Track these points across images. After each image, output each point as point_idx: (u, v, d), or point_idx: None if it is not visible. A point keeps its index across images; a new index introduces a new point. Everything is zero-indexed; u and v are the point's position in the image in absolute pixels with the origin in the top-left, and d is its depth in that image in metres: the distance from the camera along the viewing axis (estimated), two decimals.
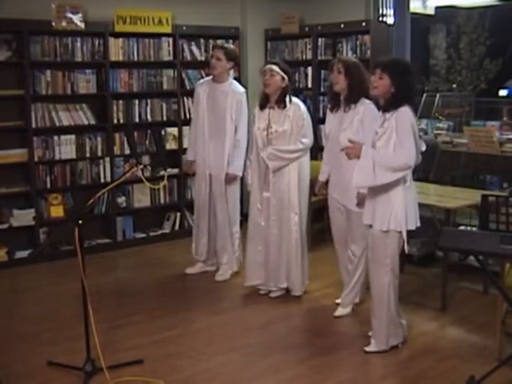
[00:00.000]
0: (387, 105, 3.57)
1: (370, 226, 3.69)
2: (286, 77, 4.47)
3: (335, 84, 4.10)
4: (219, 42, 6.40)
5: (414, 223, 3.63)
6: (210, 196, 5.10)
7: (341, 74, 4.06)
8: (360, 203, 3.93)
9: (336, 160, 4.15)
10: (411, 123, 3.51)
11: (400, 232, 3.57)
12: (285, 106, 4.48)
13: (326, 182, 4.38)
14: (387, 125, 3.54)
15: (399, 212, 3.55)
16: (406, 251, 3.71)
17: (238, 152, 4.93)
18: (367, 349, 3.79)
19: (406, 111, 3.51)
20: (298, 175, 4.52)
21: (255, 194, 4.67)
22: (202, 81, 5.28)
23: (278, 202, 4.54)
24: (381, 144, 3.56)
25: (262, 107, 4.58)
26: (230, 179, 4.96)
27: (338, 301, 4.45)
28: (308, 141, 4.52)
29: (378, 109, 3.74)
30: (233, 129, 4.92)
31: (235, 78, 5.16)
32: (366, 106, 4.00)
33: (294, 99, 4.55)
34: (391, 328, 3.77)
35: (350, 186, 3.94)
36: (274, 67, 4.47)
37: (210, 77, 5.06)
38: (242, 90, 4.99)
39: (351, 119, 4.04)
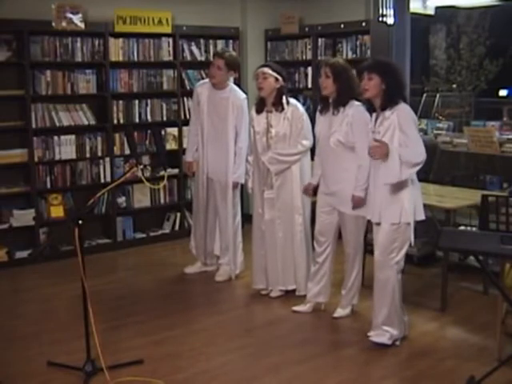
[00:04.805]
0: (384, 102, 3.65)
1: (378, 223, 3.75)
2: (279, 77, 4.43)
3: (324, 89, 4.06)
4: (220, 45, 6.44)
5: (421, 214, 3.75)
6: (207, 198, 5.11)
7: (329, 79, 4.02)
8: (356, 206, 3.97)
9: (327, 162, 4.16)
10: (414, 119, 3.65)
11: (409, 224, 3.65)
12: (283, 109, 4.45)
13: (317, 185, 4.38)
14: (388, 123, 3.62)
15: (407, 205, 3.64)
16: (413, 243, 3.75)
17: (240, 159, 4.92)
18: (373, 338, 3.83)
19: (405, 108, 3.64)
20: (300, 176, 4.52)
21: (256, 199, 4.67)
22: (201, 82, 5.25)
23: (282, 205, 4.54)
24: None
25: (259, 111, 4.55)
26: (233, 187, 4.98)
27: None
28: (308, 142, 4.50)
29: (370, 111, 3.80)
30: (234, 136, 4.91)
31: (235, 79, 5.15)
32: (355, 109, 3.96)
33: (292, 100, 4.52)
34: (395, 321, 3.79)
35: (344, 189, 4.03)
36: (266, 69, 4.44)
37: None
38: (243, 96, 4.97)
39: (340, 122, 4.01)
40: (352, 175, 3.98)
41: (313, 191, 4.40)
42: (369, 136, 3.77)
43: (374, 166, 3.78)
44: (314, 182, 4.35)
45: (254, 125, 4.59)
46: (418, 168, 3.60)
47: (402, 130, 3.59)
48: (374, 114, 3.75)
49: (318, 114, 4.22)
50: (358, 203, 3.95)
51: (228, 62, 4.82)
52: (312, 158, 4.57)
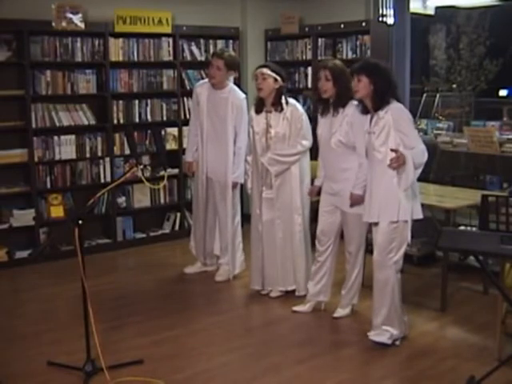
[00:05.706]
0: (375, 103, 3.68)
1: (376, 223, 3.76)
2: (278, 78, 4.43)
3: (324, 92, 4.07)
4: (220, 45, 6.44)
5: (419, 213, 3.76)
6: (207, 198, 5.11)
7: (329, 82, 4.04)
8: (355, 203, 3.99)
9: (329, 163, 4.18)
10: (409, 117, 3.68)
11: (406, 221, 3.67)
12: (282, 109, 4.45)
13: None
14: (383, 123, 3.65)
15: (405, 203, 3.65)
16: (409, 241, 3.75)
17: (239, 159, 4.92)
18: (373, 337, 3.83)
19: (398, 107, 3.67)
20: (300, 176, 4.52)
21: (254, 200, 4.67)
22: (201, 82, 5.24)
23: (281, 205, 4.54)
24: (380, 142, 3.66)
25: (258, 112, 4.55)
26: (233, 187, 4.98)
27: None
28: (307, 143, 4.50)
29: (363, 112, 3.80)
30: (233, 136, 4.91)
31: (234, 79, 5.15)
32: (354, 108, 3.97)
33: (291, 100, 4.52)
34: (395, 320, 3.80)
35: (347, 189, 4.05)
36: (265, 70, 4.44)
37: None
38: (242, 96, 4.97)
39: (340, 122, 4.03)
40: (354, 175, 3.99)
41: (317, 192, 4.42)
42: (365, 136, 3.79)
43: (370, 167, 3.79)
44: (319, 183, 4.36)
45: (253, 125, 4.59)
46: (422, 167, 3.64)
47: (400, 129, 3.62)
48: (369, 115, 3.76)
49: (318, 116, 4.23)
50: (356, 201, 3.97)
51: (227, 62, 4.82)
52: (312, 158, 4.57)
